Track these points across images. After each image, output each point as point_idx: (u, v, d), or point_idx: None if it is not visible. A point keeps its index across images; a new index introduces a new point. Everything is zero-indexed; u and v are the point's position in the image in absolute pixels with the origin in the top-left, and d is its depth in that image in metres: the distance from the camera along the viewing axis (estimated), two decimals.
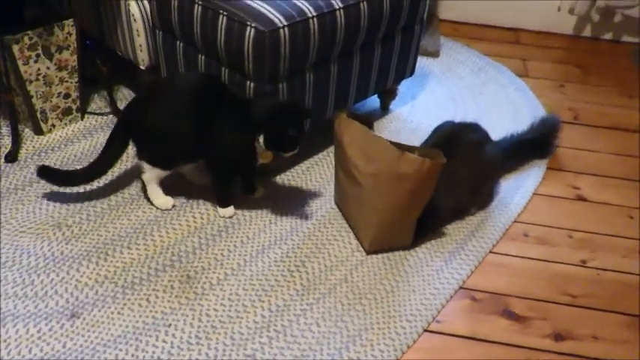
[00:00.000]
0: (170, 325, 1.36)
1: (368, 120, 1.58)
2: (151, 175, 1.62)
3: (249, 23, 1.52)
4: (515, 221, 1.77)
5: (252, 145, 1.53)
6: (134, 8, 1.84)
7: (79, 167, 1.74)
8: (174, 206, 1.67)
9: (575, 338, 1.44)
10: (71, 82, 1.90)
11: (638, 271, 1.64)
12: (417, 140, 1.78)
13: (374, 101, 2.17)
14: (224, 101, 1.53)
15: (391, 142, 1.47)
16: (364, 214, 1.56)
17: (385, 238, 1.57)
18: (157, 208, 1.67)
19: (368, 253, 1.59)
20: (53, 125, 1.92)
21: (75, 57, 1.87)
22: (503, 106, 2.30)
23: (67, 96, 1.91)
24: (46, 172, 1.63)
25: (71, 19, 1.81)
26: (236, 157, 1.58)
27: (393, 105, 2.20)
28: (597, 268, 1.64)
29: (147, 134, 1.58)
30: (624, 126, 2.28)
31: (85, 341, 1.31)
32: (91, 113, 2.03)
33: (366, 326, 1.40)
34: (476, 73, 2.52)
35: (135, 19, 1.85)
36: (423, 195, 1.49)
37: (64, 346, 1.29)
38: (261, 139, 1.50)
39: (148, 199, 1.67)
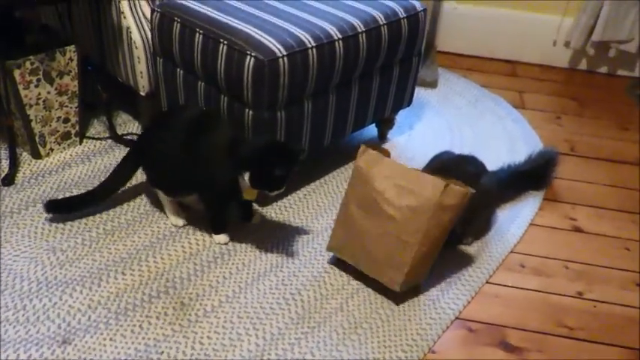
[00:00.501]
0: (163, 352, 1.35)
1: (385, 151, 1.55)
2: (162, 194, 1.69)
3: (249, 52, 1.54)
4: (511, 252, 1.76)
5: (236, 181, 1.51)
6: (136, 35, 1.86)
7: (76, 192, 1.75)
8: (185, 225, 1.70)
9: None
10: (71, 107, 1.91)
11: (638, 303, 1.63)
12: None
13: (371, 130, 2.19)
14: (218, 136, 1.54)
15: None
16: (394, 251, 1.46)
17: (416, 274, 1.51)
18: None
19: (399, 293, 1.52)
20: (51, 149, 1.93)
21: (76, 82, 1.88)
22: (500, 137, 2.32)
23: (66, 120, 1.92)
24: (54, 206, 1.66)
25: (73, 45, 1.83)
26: (220, 190, 1.58)
27: (390, 134, 2.21)
28: (594, 300, 1.63)
29: (150, 161, 1.66)
30: (620, 158, 2.29)
31: None
32: (89, 138, 2.04)
33: (361, 356, 1.39)
34: (473, 104, 2.54)
35: (136, 46, 1.87)
36: (451, 226, 1.49)
37: None
38: (246, 177, 1.47)
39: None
